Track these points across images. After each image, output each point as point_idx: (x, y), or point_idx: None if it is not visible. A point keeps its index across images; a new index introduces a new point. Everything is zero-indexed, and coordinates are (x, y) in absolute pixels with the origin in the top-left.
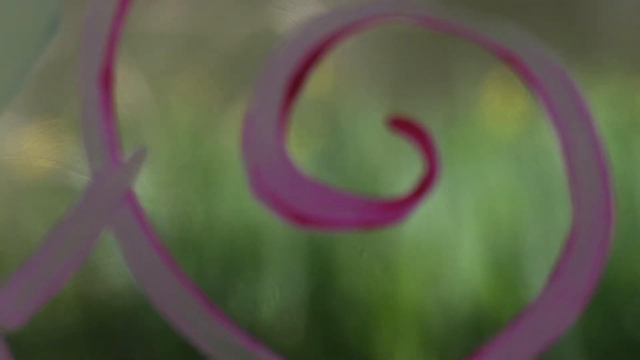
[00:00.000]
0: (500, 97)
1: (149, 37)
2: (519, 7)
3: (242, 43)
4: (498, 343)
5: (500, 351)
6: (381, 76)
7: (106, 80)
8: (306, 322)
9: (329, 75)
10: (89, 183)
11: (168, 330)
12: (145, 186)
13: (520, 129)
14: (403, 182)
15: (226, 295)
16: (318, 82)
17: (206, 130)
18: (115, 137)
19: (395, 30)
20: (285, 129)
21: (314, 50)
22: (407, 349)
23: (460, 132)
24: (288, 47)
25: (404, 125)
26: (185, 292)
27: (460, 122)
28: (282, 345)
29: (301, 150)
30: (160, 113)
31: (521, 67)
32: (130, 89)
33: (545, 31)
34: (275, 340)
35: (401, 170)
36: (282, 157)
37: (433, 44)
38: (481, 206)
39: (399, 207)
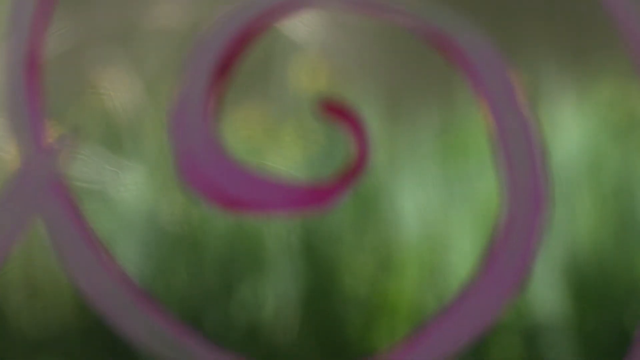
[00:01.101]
0: None
1: (147, 36)
2: (519, 9)
3: None
4: (432, 329)
5: (434, 336)
6: (378, 74)
7: (32, 65)
8: (304, 319)
9: (324, 74)
10: (16, 169)
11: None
12: (144, 186)
13: None
14: (399, 178)
15: (226, 293)
16: (314, 81)
17: None
18: (42, 122)
19: (392, 29)
20: (216, 112)
21: (241, 33)
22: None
23: (459, 130)
24: (214, 31)
25: (336, 111)
26: (115, 282)
27: (458, 120)
28: (281, 341)
29: (297, 148)
30: (158, 112)
31: (456, 51)
32: (127, 88)
33: (546, 33)
34: (274, 336)
35: (397, 167)
36: (210, 142)
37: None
38: (479, 204)
39: (326, 194)
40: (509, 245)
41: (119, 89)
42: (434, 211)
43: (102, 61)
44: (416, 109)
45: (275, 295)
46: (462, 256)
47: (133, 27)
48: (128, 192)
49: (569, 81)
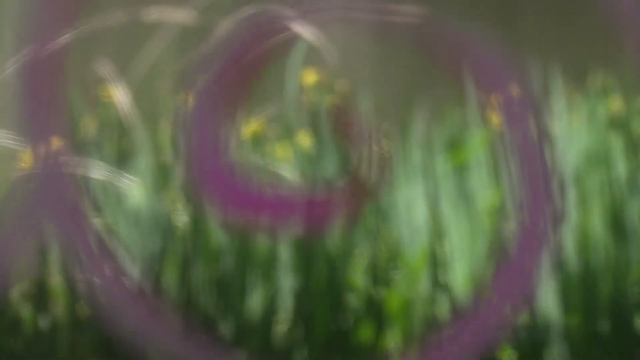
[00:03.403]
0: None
1: (146, 31)
2: (522, 12)
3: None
4: (445, 342)
5: (446, 349)
6: (385, 89)
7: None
8: (311, 321)
9: (334, 87)
10: (30, 172)
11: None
12: (147, 181)
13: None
14: (410, 188)
15: (228, 288)
16: (311, 82)
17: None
18: (54, 126)
19: (399, 45)
20: (231, 118)
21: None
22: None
23: (463, 144)
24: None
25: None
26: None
27: (463, 134)
28: (288, 343)
29: (286, 148)
30: (156, 109)
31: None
32: (127, 84)
33: (541, 32)
34: (282, 338)
35: (407, 178)
36: (224, 154)
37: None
38: (482, 212)
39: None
40: (520, 260)
41: (121, 85)
42: (439, 219)
43: (104, 57)
44: (422, 121)
45: (282, 294)
46: (466, 263)
47: (134, 23)
48: (132, 187)
49: (561, 81)
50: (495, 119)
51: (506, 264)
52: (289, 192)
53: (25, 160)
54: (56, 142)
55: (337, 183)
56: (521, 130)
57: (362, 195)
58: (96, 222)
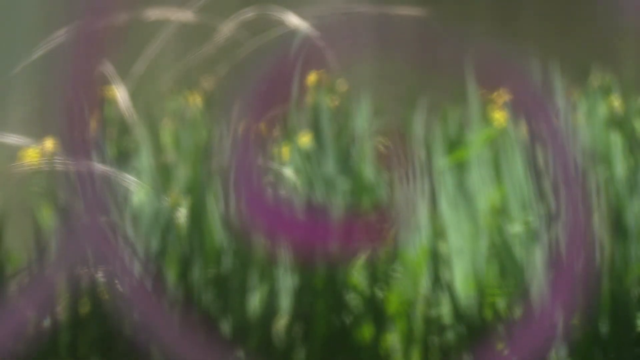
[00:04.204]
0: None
1: (147, 27)
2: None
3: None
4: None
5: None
6: (390, 91)
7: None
8: (312, 323)
9: (338, 89)
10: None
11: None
12: (150, 179)
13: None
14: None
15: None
16: (311, 83)
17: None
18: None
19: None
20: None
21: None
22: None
23: (466, 144)
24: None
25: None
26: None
27: (466, 134)
28: (291, 346)
29: (287, 149)
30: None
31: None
32: (122, 91)
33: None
34: (283, 341)
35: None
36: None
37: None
38: (483, 212)
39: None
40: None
41: (122, 84)
42: (440, 218)
43: (107, 55)
44: (422, 119)
45: (282, 293)
46: (466, 262)
47: (136, 23)
48: (134, 186)
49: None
50: (497, 117)
51: (555, 272)
52: (317, 214)
53: (30, 157)
54: (58, 142)
55: (365, 211)
56: (525, 128)
57: (387, 227)
58: (98, 220)
